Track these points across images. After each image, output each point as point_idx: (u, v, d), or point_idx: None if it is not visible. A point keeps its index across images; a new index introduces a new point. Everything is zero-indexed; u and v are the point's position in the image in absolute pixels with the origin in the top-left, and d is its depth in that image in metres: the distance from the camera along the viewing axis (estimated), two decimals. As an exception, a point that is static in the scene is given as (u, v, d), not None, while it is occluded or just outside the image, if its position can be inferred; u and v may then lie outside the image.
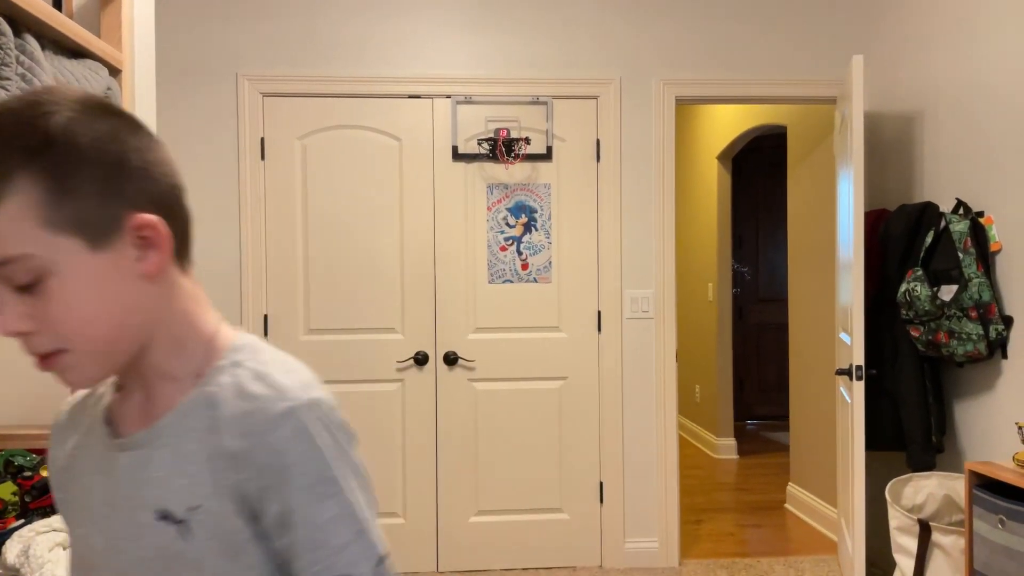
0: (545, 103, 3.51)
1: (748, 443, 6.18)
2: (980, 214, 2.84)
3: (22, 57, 1.30)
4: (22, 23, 1.33)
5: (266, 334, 3.43)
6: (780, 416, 6.72)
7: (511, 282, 3.52)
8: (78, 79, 1.44)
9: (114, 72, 1.67)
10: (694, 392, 6.16)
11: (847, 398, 3.17)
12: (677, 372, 3.61)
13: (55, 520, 1.67)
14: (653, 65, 3.56)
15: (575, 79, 3.53)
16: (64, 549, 1.65)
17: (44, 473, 2.25)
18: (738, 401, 6.83)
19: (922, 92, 3.22)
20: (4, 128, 0.68)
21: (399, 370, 3.48)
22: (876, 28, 3.56)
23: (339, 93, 3.45)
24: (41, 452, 2.33)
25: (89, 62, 1.52)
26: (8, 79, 1.24)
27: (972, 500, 2.36)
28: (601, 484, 3.55)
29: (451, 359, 3.48)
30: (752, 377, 7.01)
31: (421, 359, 3.47)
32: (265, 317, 3.44)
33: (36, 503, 2.21)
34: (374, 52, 3.48)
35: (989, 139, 2.81)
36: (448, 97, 3.49)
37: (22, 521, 1.91)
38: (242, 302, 3.41)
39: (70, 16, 1.75)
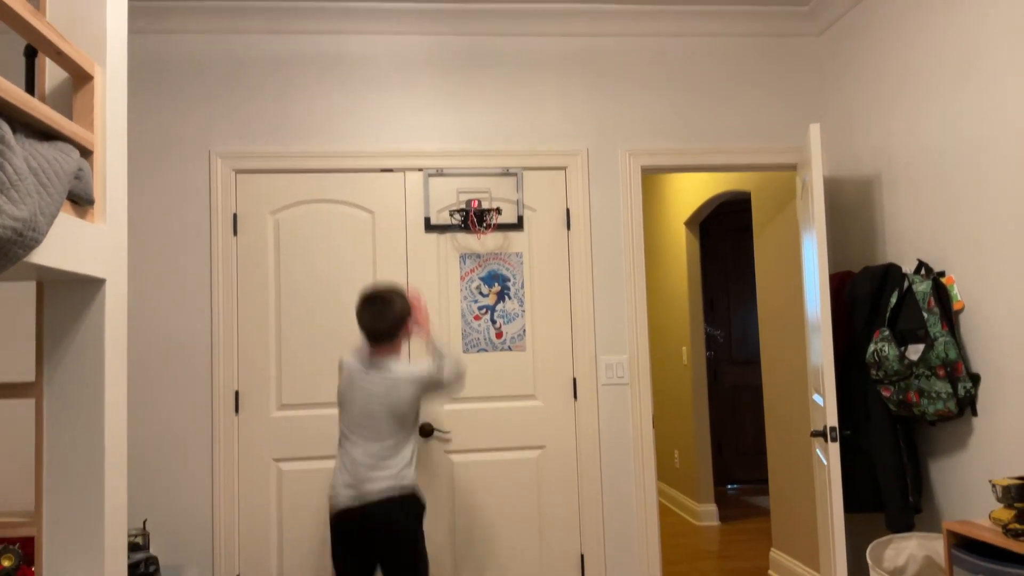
0: (515, 174, 3.58)
1: (729, 508, 6.12)
2: (941, 274, 2.91)
3: (-7, 141, 1.31)
4: (-6, 108, 1.35)
5: (237, 411, 3.38)
6: (760, 479, 6.69)
7: (486, 351, 3.52)
8: (49, 161, 1.44)
9: (85, 153, 1.68)
10: (673, 457, 6.12)
11: (823, 460, 3.17)
12: (655, 438, 3.60)
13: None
14: (618, 136, 3.66)
15: (544, 151, 3.61)
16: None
17: (5, 563, 2.17)
18: (717, 465, 6.79)
19: (878, 157, 3.33)
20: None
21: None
22: (832, 96, 3.71)
23: (312, 168, 3.49)
24: (2, 540, 2.24)
25: (60, 144, 1.54)
26: (-22, 163, 1.24)
27: (952, 561, 2.35)
28: (582, 556, 3.49)
29: (427, 431, 3.44)
30: (730, 440, 7.00)
31: (396, 432, 3.42)
32: (236, 393, 3.39)
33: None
34: (347, 128, 3.54)
35: (944, 201, 2.91)
36: (420, 170, 3.55)
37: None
38: (212, 378, 3.37)
39: (42, 99, 1.77)
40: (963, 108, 2.80)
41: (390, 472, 2.62)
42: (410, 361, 2.78)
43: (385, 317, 2.67)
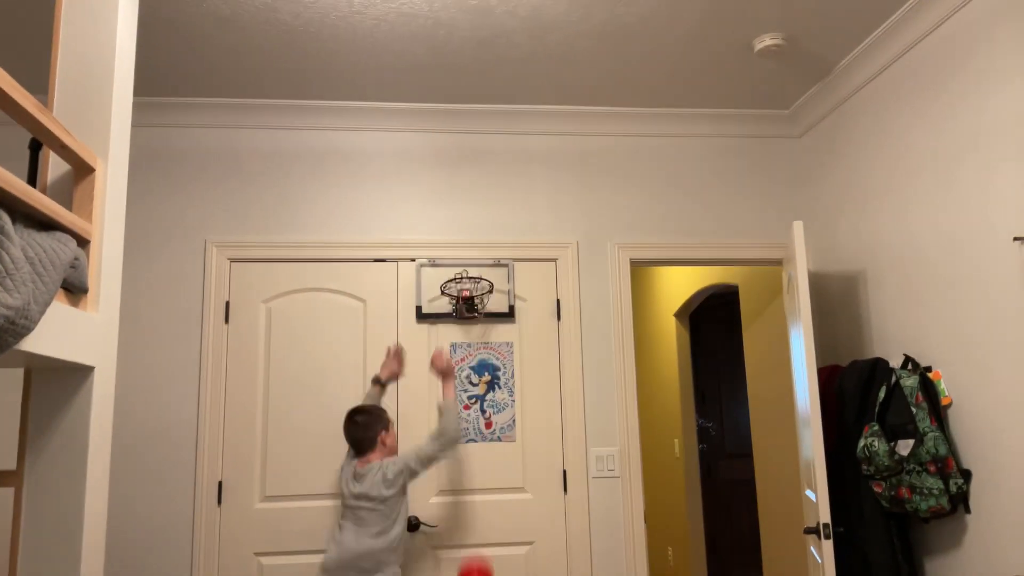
0: (506, 265, 3.64)
1: (724, 608, 5.92)
2: (928, 369, 2.93)
3: (-8, 231, 1.34)
4: (-4, 199, 1.39)
5: (220, 502, 3.31)
6: (756, 578, 6.49)
7: (475, 441, 3.49)
8: (46, 250, 1.47)
9: (82, 243, 1.71)
10: (667, 555, 5.97)
11: (817, 558, 3.11)
12: (648, 533, 3.53)
13: None
14: (607, 229, 3.74)
15: (534, 243, 3.68)
16: None
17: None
18: (712, 562, 6.61)
19: (862, 253, 3.40)
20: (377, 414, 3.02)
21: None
22: (815, 194, 3.81)
23: (305, 258, 3.54)
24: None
25: (58, 234, 1.57)
26: (-24, 252, 1.27)
27: (952, 665, 2.28)
28: (571, 658, 3.36)
29: (413, 525, 3.37)
30: (725, 536, 6.83)
31: (382, 525, 3.35)
32: (220, 484, 3.33)
33: None
34: (341, 218, 3.61)
35: (929, 297, 2.96)
36: (412, 260, 3.60)
37: None
38: (196, 467, 3.31)
39: (43, 190, 1.81)
40: (943, 206, 2.88)
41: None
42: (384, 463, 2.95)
43: (363, 429, 2.97)
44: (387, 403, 3.45)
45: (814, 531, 2.98)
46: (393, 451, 3.03)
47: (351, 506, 2.90)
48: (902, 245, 3.12)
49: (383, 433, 2.99)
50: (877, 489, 2.95)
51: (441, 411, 3.00)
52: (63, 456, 1.68)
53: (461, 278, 3.58)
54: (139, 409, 3.35)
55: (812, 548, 3.30)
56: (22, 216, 1.49)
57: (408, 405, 3.48)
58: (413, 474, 2.92)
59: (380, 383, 3.25)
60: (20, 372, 1.83)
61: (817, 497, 2.94)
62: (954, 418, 2.82)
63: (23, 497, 1.67)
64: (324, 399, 3.44)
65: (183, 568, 3.24)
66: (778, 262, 3.83)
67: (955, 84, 2.81)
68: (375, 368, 3.48)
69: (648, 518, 3.48)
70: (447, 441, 2.93)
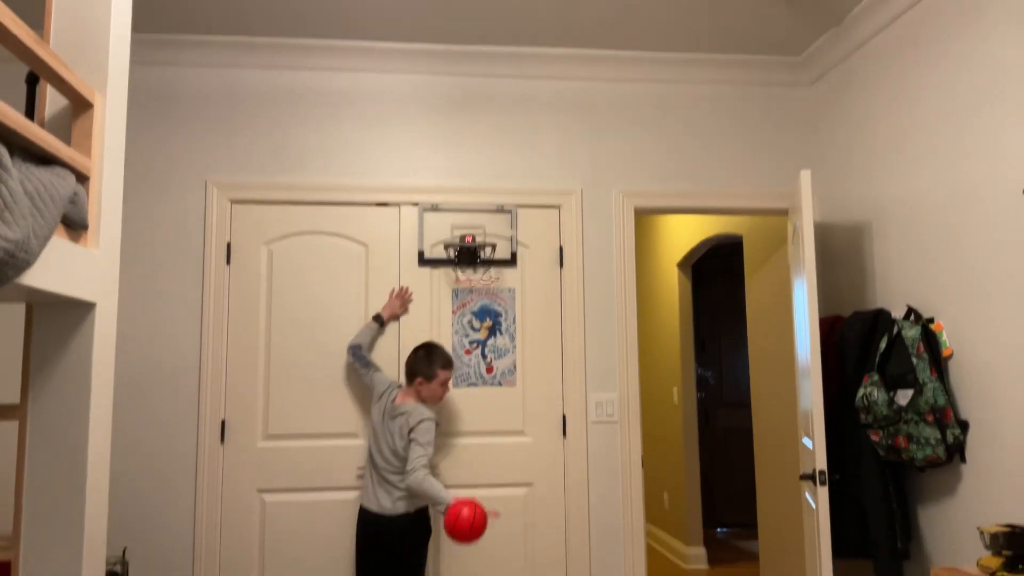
0: (510, 211, 3.61)
1: (718, 551, 6.05)
2: (931, 320, 2.93)
3: (-10, 163, 1.32)
4: (-7, 131, 1.37)
5: (223, 440, 3.35)
6: (751, 523, 6.63)
7: (476, 385, 3.51)
8: (45, 185, 1.46)
9: (82, 178, 1.69)
10: (663, 499, 6.07)
11: (812, 504, 3.15)
12: (645, 478, 3.58)
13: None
14: (612, 177, 3.70)
15: (538, 190, 3.64)
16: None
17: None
18: (707, 508, 6.73)
19: (869, 204, 3.37)
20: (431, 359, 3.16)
21: (359, 476, 3.39)
22: (824, 144, 3.76)
23: (307, 200, 3.52)
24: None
25: (57, 168, 1.55)
26: (-26, 184, 1.26)
27: (940, 609, 2.33)
28: (567, 597, 3.44)
29: (414, 466, 3.41)
30: (721, 483, 6.94)
31: (383, 466, 3.40)
32: (223, 423, 3.36)
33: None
34: (343, 161, 3.57)
35: (932, 250, 2.94)
36: (415, 205, 3.57)
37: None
38: (199, 407, 3.35)
39: (42, 124, 1.79)
40: (953, 158, 2.84)
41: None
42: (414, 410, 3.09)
43: (411, 362, 3.20)
44: (388, 342, 3.47)
45: (810, 477, 3.02)
46: (427, 401, 3.14)
47: (377, 432, 3.15)
48: (910, 196, 3.09)
49: (421, 379, 3.12)
50: (874, 438, 2.98)
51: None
52: (66, 391, 1.69)
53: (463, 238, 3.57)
54: (142, 348, 3.37)
55: (807, 494, 3.35)
56: (20, 150, 1.47)
57: (408, 347, 3.50)
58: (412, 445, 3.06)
59: (380, 321, 3.41)
60: (22, 307, 1.84)
61: (814, 444, 2.97)
62: (954, 369, 2.83)
63: (27, 431, 1.68)
64: (325, 342, 3.46)
65: (187, 504, 3.30)
66: (784, 212, 3.80)
67: (968, 35, 2.75)
68: (377, 312, 3.49)
69: (645, 464, 3.53)
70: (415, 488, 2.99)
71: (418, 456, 2.97)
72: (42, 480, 1.68)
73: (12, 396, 1.85)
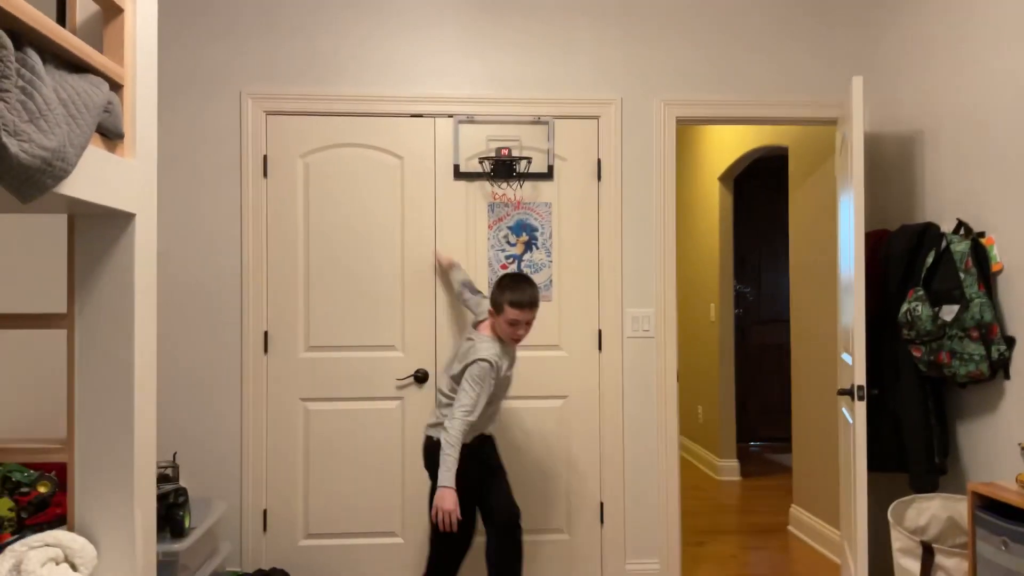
0: (546, 123, 3.53)
1: (751, 465, 6.13)
2: (981, 234, 2.83)
3: (23, 71, 1.31)
4: (24, 37, 1.34)
5: (266, 351, 3.43)
6: (783, 438, 6.67)
7: (512, 300, 3.52)
8: (79, 93, 1.44)
9: (115, 87, 1.68)
10: (697, 413, 6.13)
11: (849, 419, 3.15)
12: (679, 393, 3.60)
13: (49, 535, 1.66)
14: (654, 86, 3.58)
15: (576, 99, 3.55)
16: (57, 564, 1.64)
17: (41, 489, 2.24)
18: (741, 422, 6.78)
19: (922, 113, 3.23)
20: (536, 287, 2.90)
21: (399, 388, 3.46)
22: (876, 49, 3.58)
23: (342, 112, 3.47)
24: (39, 467, 2.32)
25: (90, 76, 1.53)
26: (8, 91, 1.25)
27: (975, 522, 2.34)
28: (602, 505, 3.53)
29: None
30: (755, 398, 6.98)
31: (421, 377, 3.46)
32: (265, 334, 3.43)
33: (32, 519, 2.20)
34: (377, 71, 3.50)
35: (989, 159, 2.82)
36: (450, 116, 3.51)
37: (16, 536, 1.90)
38: (242, 319, 3.41)
39: (73, 31, 1.76)
40: (1011, 66, 2.68)
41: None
42: (480, 347, 2.83)
43: (491, 291, 2.98)
44: (425, 259, 3.47)
45: (848, 392, 3.01)
46: (498, 334, 2.88)
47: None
48: (966, 102, 2.94)
49: (492, 310, 2.88)
50: (916, 353, 2.93)
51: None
52: (110, 300, 1.73)
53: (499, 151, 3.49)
54: (184, 262, 3.42)
55: (844, 409, 3.34)
56: (52, 57, 1.45)
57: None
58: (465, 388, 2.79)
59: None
60: (65, 218, 1.86)
61: (854, 359, 2.94)
62: (1003, 285, 2.75)
63: (75, 338, 1.73)
64: (362, 254, 3.47)
65: (233, 411, 3.41)
66: (832, 121, 3.66)
67: (1047, -79, 2.54)
68: (413, 226, 3.48)
69: (680, 378, 3.54)
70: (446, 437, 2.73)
71: (461, 405, 2.72)
72: (91, 385, 1.73)
73: (59, 305, 1.90)
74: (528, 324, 2.86)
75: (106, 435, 1.72)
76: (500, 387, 2.91)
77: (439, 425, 2.84)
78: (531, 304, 2.83)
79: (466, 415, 2.71)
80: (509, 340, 2.88)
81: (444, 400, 2.91)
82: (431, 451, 2.86)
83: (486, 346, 2.81)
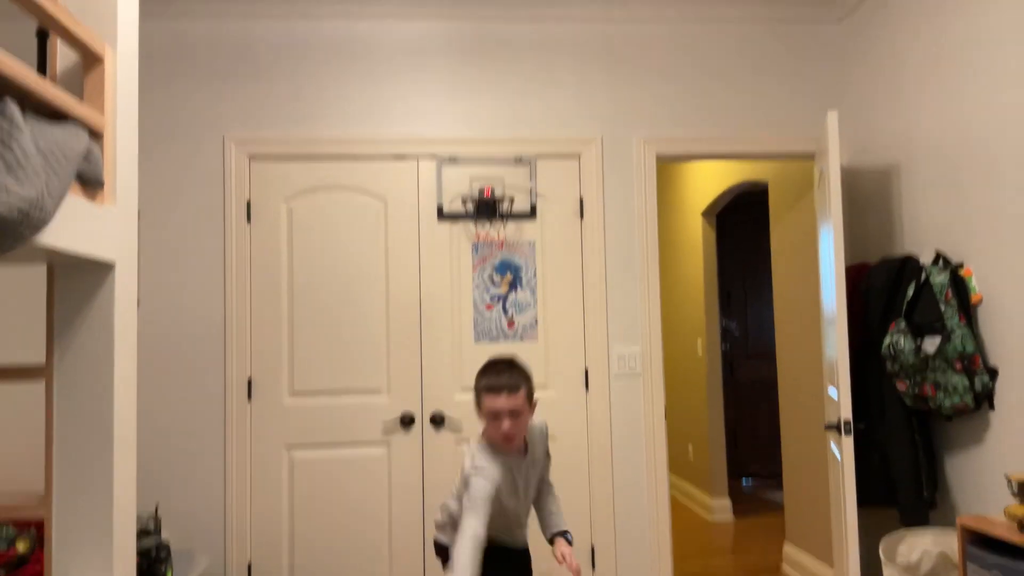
0: (528, 162, 3.56)
1: (744, 503, 6.08)
2: (960, 266, 2.86)
3: (1, 122, 1.31)
4: (3, 88, 1.35)
5: (250, 397, 3.39)
6: (775, 474, 6.65)
7: (497, 341, 3.51)
8: (58, 142, 1.44)
9: (95, 135, 1.68)
10: (687, 451, 6.09)
11: (837, 454, 3.14)
12: (669, 430, 3.57)
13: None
14: (633, 124, 3.63)
15: (557, 139, 3.58)
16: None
17: (20, 547, 2.18)
18: (732, 459, 6.76)
19: (898, 146, 3.28)
20: (520, 368, 2.29)
21: (385, 432, 3.43)
22: (851, 83, 3.65)
23: (325, 155, 3.49)
24: (18, 525, 2.26)
25: (70, 125, 1.53)
26: (-15, 142, 1.24)
27: (966, 556, 2.32)
28: (593, 548, 3.48)
29: (438, 420, 3.44)
30: (746, 434, 6.95)
31: (407, 420, 3.42)
32: (249, 380, 3.40)
33: (10, 576, 2.13)
34: (360, 114, 3.53)
35: (964, 191, 2.86)
36: (433, 158, 3.53)
37: (-9, 595, 1.85)
38: (226, 365, 3.38)
39: (53, 80, 1.77)
40: (985, 97, 2.74)
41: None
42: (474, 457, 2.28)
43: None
44: (409, 301, 3.47)
45: (835, 427, 3.00)
46: (489, 438, 2.28)
47: None
48: (939, 138, 2.99)
49: (477, 407, 2.31)
50: (901, 387, 2.94)
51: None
52: (89, 351, 1.70)
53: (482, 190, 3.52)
54: (167, 308, 3.39)
55: (832, 444, 3.33)
56: (32, 107, 1.45)
57: (429, 307, 3.49)
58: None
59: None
60: (44, 269, 1.84)
61: (839, 394, 2.94)
62: (983, 315, 2.77)
63: (53, 391, 1.70)
64: (348, 298, 3.46)
65: (216, 461, 3.35)
66: (810, 156, 3.71)
67: (1009, -38, 2.62)
68: (397, 267, 3.48)
69: (669, 416, 3.52)
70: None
71: (467, 520, 2.10)
72: (70, 439, 1.70)
73: (37, 356, 1.87)
74: (513, 415, 2.21)
75: (85, 490, 1.68)
76: (510, 492, 2.31)
77: (439, 517, 2.46)
78: (509, 388, 2.21)
79: (472, 536, 2.06)
80: (500, 441, 2.24)
81: (449, 498, 2.46)
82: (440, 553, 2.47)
83: (481, 456, 2.23)
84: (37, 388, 1.84)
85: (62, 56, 1.77)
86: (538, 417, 2.44)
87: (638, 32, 3.66)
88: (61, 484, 1.69)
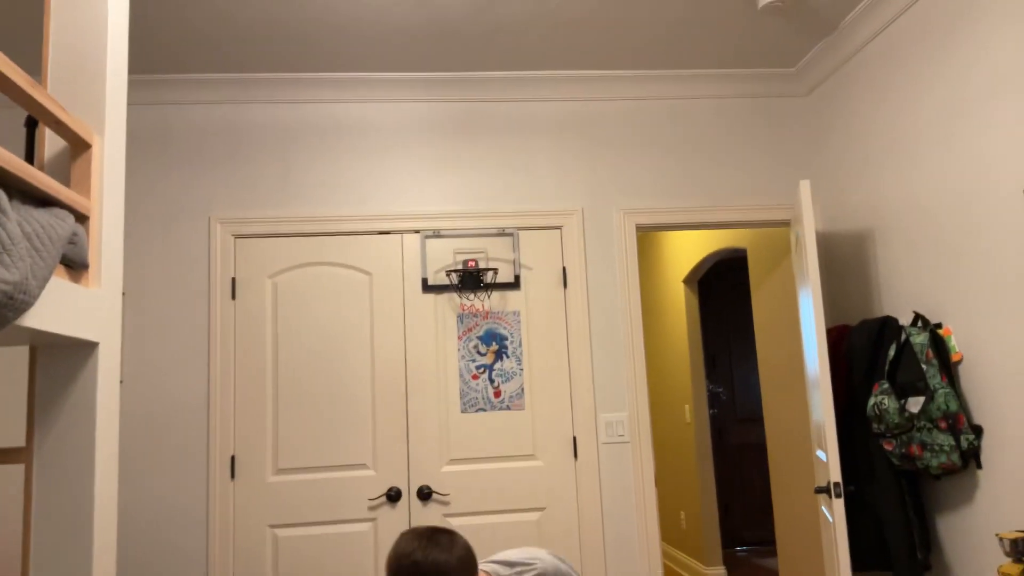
0: (511, 234, 3.62)
1: (738, 570, 5.97)
2: (938, 326, 2.91)
3: (-11, 207, 1.34)
4: (-9, 175, 1.38)
5: (233, 476, 3.34)
6: (770, 540, 6.55)
7: (484, 410, 3.50)
8: (43, 226, 1.47)
9: (82, 218, 1.71)
10: (679, 519, 6.01)
11: (829, 517, 3.11)
12: (660, 498, 3.54)
13: None
14: (613, 195, 3.71)
15: (539, 211, 3.65)
16: None
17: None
18: (725, 526, 6.66)
19: (870, 211, 3.37)
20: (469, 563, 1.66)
21: (371, 508, 3.37)
22: (823, 153, 3.77)
23: (310, 232, 3.53)
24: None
25: (56, 210, 1.56)
26: (-28, 228, 1.27)
27: (964, 619, 2.29)
28: (586, 621, 3.40)
29: (425, 494, 3.39)
30: (738, 500, 6.87)
31: (394, 495, 3.38)
32: (232, 458, 3.35)
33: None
34: (345, 192, 3.59)
35: (938, 254, 2.93)
36: (417, 232, 3.58)
37: None
38: (209, 443, 3.34)
39: (41, 166, 1.81)
40: (950, 163, 2.84)
41: None
42: None
43: None
44: (395, 373, 3.46)
45: (825, 490, 2.99)
46: None
47: None
48: (910, 201, 3.08)
49: None
50: (887, 447, 2.94)
51: None
52: (71, 433, 1.69)
53: (465, 263, 3.57)
54: (151, 387, 3.37)
55: (823, 508, 3.31)
56: (19, 193, 1.48)
57: (415, 378, 3.49)
58: None
59: None
60: (26, 349, 1.84)
61: (828, 457, 2.94)
62: (965, 374, 2.80)
63: (33, 473, 1.68)
64: (333, 372, 3.45)
65: (199, 542, 3.28)
66: (786, 223, 3.79)
67: (962, 36, 2.76)
68: (383, 340, 3.48)
69: (660, 483, 3.49)
70: None
71: None
72: (49, 523, 1.67)
73: (17, 439, 1.85)
74: None
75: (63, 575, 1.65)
76: None
77: None
78: (413, 572, 1.63)
79: None
80: None
81: None
82: None
83: None
84: (15, 471, 1.81)
85: (50, 142, 1.82)
86: (541, 553, 1.92)
87: (614, 109, 3.78)
88: (38, 570, 1.65)
